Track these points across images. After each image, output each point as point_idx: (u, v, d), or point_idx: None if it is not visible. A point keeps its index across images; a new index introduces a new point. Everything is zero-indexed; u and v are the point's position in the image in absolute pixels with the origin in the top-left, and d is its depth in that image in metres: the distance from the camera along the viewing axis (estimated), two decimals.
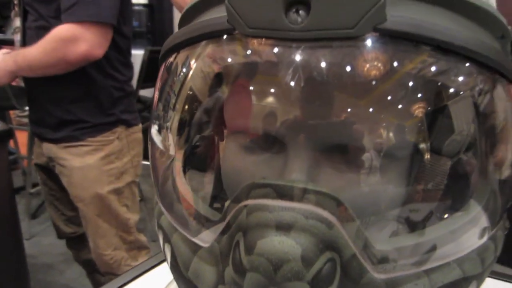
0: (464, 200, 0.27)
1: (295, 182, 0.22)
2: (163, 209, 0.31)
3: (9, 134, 1.25)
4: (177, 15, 2.90)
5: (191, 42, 0.27)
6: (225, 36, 0.25)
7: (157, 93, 0.30)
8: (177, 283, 0.29)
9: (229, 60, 0.28)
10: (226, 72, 0.28)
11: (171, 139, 0.29)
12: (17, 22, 1.21)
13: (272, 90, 0.26)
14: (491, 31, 0.26)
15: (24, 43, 1.16)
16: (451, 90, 0.26)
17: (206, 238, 0.26)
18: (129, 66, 1.24)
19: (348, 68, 0.24)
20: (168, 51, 0.29)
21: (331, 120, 0.25)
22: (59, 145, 1.17)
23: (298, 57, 0.23)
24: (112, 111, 1.19)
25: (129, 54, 1.24)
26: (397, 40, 0.22)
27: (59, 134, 1.17)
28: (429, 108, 0.26)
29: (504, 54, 0.26)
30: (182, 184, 0.29)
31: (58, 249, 2.01)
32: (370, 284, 0.22)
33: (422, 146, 0.25)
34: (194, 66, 0.28)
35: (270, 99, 0.26)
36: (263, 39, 0.23)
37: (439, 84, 0.26)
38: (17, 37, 1.22)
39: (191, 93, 0.28)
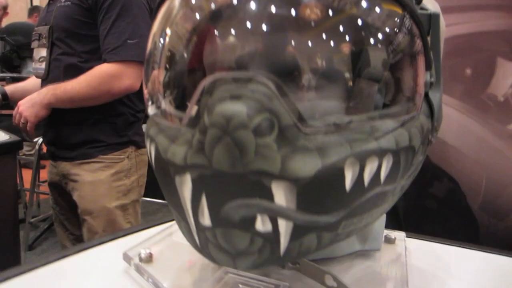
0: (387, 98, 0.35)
1: (248, 73, 0.30)
2: (152, 114, 0.38)
3: (19, 145, 1.32)
4: None
5: None
6: None
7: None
8: (158, 176, 0.35)
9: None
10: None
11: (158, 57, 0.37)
12: (42, 53, 1.30)
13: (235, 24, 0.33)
14: None
15: (48, 73, 1.28)
16: (369, 23, 0.33)
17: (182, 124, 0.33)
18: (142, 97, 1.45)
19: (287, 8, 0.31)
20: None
21: (279, 49, 0.32)
22: (73, 163, 1.29)
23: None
24: (125, 132, 1.31)
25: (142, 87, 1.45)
26: None
27: (74, 153, 1.28)
28: (351, 40, 0.33)
29: None
30: (164, 88, 0.37)
31: None
32: (298, 138, 0.30)
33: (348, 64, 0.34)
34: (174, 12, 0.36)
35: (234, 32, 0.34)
36: None
37: (359, 18, 0.33)
38: (41, 66, 1.31)
39: (174, 30, 0.36)
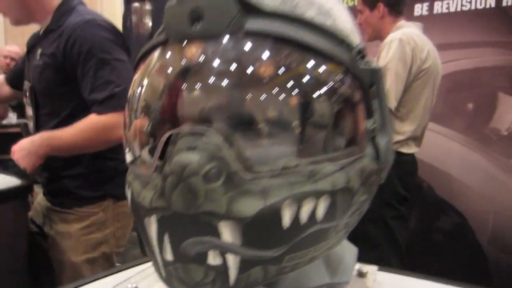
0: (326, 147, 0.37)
1: (202, 128, 0.33)
2: (128, 161, 0.40)
3: (30, 188, 1.31)
4: None
5: (145, 54, 0.39)
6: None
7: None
8: (134, 218, 0.39)
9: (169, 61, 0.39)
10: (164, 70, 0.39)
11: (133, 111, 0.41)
12: (29, 111, 1.25)
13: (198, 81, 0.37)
14: (331, 37, 0.35)
15: (37, 130, 1.22)
16: (309, 80, 0.35)
17: (149, 172, 0.37)
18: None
19: (235, 56, 0.34)
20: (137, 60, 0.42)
21: (232, 103, 0.36)
22: (54, 208, 1.25)
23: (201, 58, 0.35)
24: (103, 187, 1.23)
25: None
26: (258, 37, 0.33)
27: (54, 200, 1.25)
28: (296, 94, 0.35)
29: (341, 52, 0.35)
30: (137, 137, 0.40)
31: None
32: (243, 183, 0.33)
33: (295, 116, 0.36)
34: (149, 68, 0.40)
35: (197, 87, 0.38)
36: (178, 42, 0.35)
37: (304, 75, 0.35)
38: (30, 124, 1.27)
39: (148, 83, 0.40)
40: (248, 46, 0.35)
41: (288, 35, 0.34)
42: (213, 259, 0.34)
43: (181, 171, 0.32)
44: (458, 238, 2.12)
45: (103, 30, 1.13)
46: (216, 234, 0.33)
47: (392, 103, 1.50)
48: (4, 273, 1.16)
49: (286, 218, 0.34)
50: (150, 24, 3.32)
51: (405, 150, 1.58)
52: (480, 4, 1.91)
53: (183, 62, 0.37)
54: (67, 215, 1.23)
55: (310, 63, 0.36)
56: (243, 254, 0.34)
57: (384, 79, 0.43)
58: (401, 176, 1.58)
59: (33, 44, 1.25)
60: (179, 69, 0.38)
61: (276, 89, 0.36)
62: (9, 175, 1.31)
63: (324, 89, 0.36)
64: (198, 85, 0.37)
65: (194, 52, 0.36)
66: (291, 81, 0.36)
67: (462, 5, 1.96)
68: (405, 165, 1.59)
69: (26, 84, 1.25)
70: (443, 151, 2.09)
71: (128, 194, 0.40)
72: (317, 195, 0.35)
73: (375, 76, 0.39)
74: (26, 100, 1.27)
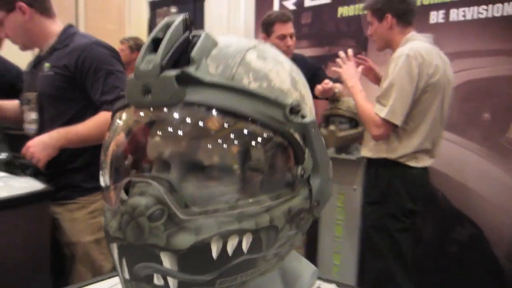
0: (256, 190, 0.44)
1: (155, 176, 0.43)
2: (101, 184, 0.48)
3: (51, 194, 1.38)
4: None
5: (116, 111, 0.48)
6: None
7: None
8: (105, 237, 0.46)
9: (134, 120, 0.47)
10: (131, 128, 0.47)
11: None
12: (32, 115, 1.45)
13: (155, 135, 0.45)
14: (263, 100, 0.42)
15: (39, 133, 1.39)
16: (245, 137, 0.42)
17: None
18: None
19: (178, 121, 0.42)
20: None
21: (184, 150, 0.43)
22: (57, 202, 1.41)
23: (152, 117, 0.43)
24: None
25: None
26: (198, 107, 0.39)
27: (57, 195, 1.40)
28: (235, 144, 0.42)
29: (273, 111, 0.42)
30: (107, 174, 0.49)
31: None
32: (180, 222, 0.40)
33: (235, 165, 0.43)
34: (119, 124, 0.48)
35: (156, 140, 0.46)
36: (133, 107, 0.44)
37: (241, 130, 0.41)
38: (31, 127, 1.45)
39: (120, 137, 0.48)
40: (186, 113, 0.42)
41: (220, 104, 0.40)
42: (157, 280, 0.41)
43: (132, 212, 0.41)
44: (474, 250, 2.08)
45: (106, 49, 1.43)
46: (159, 261, 0.41)
47: (398, 119, 1.50)
48: (29, 272, 1.26)
49: (215, 251, 0.41)
50: None
51: (413, 163, 1.57)
52: (497, 12, 1.86)
53: (137, 123, 0.46)
54: (70, 205, 1.42)
55: (241, 124, 0.42)
56: (180, 278, 0.41)
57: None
58: (408, 189, 1.58)
59: (38, 61, 1.49)
60: (135, 128, 0.47)
61: (209, 145, 0.43)
62: (28, 176, 1.44)
63: (254, 143, 0.43)
64: (149, 142, 0.46)
65: (145, 117, 0.45)
66: (224, 137, 0.42)
67: (478, 13, 1.91)
68: (413, 178, 1.58)
69: (30, 94, 1.47)
70: (459, 161, 2.05)
71: (103, 220, 0.47)
72: (241, 233, 0.42)
73: (307, 128, 0.45)
74: (28, 107, 1.47)
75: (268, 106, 0.42)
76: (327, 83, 1.90)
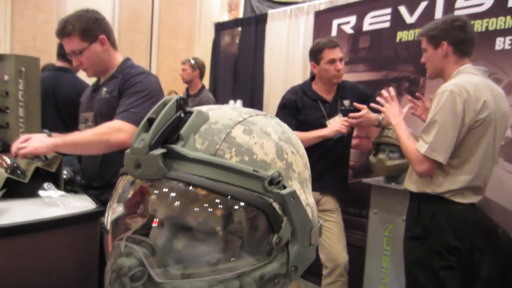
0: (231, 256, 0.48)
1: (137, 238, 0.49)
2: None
3: (102, 212, 1.44)
4: None
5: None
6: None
7: None
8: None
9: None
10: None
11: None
12: None
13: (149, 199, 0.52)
14: (242, 174, 0.46)
15: None
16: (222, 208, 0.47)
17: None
18: None
19: (162, 193, 0.49)
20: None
21: (169, 214, 0.50)
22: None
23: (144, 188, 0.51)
24: None
25: None
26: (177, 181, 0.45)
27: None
28: (216, 212, 0.47)
29: (252, 183, 0.46)
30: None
31: None
32: (157, 284, 0.46)
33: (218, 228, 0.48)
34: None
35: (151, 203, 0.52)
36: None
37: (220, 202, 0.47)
38: None
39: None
40: (169, 186, 0.48)
41: (198, 181, 0.45)
42: None
43: (118, 271, 0.47)
44: None
45: (153, 77, 1.64)
46: None
47: (440, 156, 1.45)
48: (79, 285, 1.36)
49: None
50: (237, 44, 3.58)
51: (459, 199, 1.50)
52: None
53: (130, 191, 0.53)
54: None
55: (218, 196, 0.47)
56: None
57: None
58: (452, 226, 1.51)
59: (98, 86, 1.69)
60: (128, 195, 0.54)
61: (189, 212, 0.48)
62: (76, 190, 1.58)
63: (229, 214, 0.48)
64: (143, 205, 0.54)
65: (136, 187, 0.52)
66: (201, 207, 0.48)
67: None
68: (458, 214, 1.51)
69: (87, 114, 1.67)
70: None
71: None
72: None
73: (286, 198, 0.48)
74: (85, 125, 1.66)
75: (246, 178, 0.46)
76: (346, 120, 1.92)
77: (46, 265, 1.25)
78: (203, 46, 4.27)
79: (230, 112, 0.52)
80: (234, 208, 0.48)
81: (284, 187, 0.49)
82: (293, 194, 0.49)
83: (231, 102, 3.26)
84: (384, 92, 1.75)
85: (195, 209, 0.49)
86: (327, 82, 2.02)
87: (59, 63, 2.52)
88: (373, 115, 1.96)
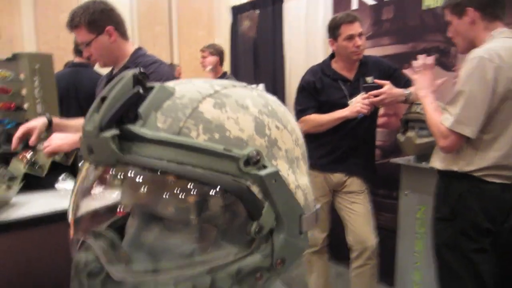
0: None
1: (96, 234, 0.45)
2: None
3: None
4: None
5: None
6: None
7: None
8: None
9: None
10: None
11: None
12: None
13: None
14: (216, 156, 0.40)
15: None
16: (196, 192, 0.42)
17: None
18: None
19: (127, 180, 0.44)
20: None
21: (132, 202, 0.46)
22: None
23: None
24: None
25: None
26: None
27: None
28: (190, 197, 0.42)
29: (223, 164, 0.39)
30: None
31: None
32: (116, 283, 0.41)
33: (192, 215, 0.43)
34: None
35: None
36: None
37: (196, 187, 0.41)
38: None
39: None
40: (126, 172, 0.43)
41: (158, 164, 0.39)
42: None
43: (75, 267, 0.43)
44: None
45: (166, 66, 1.62)
46: None
47: (467, 130, 1.31)
48: None
49: None
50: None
51: (490, 179, 1.36)
52: None
53: (85, 179, 0.48)
54: None
55: (183, 181, 0.41)
56: None
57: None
58: (484, 207, 1.38)
59: (111, 79, 1.66)
60: (89, 183, 0.48)
61: (153, 198, 0.44)
62: None
63: (197, 199, 0.42)
64: (103, 194, 0.48)
65: (89, 173, 0.47)
66: (166, 193, 0.43)
67: None
68: (490, 194, 1.38)
69: None
70: None
71: None
72: None
73: (265, 180, 0.41)
74: None
75: (217, 159, 0.40)
76: (366, 97, 1.80)
77: (62, 254, 1.28)
78: (223, 32, 4.20)
79: (200, 85, 0.45)
80: (203, 193, 0.42)
81: (265, 167, 0.41)
82: (275, 175, 0.42)
83: (253, 86, 3.19)
84: (420, 57, 1.58)
85: (159, 196, 0.43)
86: (347, 59, 1.90)
87: (77, 59, 2.54)
88: (397, 91, 1.82)
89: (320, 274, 2.09)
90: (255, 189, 0.41)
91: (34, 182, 1.48)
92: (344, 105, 1.86)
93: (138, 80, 0.41)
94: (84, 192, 0.49)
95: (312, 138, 1.90)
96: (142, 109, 0.40)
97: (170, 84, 0.44)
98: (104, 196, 0.49)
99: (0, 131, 1.85)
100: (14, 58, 1.85)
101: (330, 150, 1.93)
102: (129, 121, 0.40)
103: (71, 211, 0.49)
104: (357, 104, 1.80)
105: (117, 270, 0.42)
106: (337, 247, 2.26)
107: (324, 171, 1.94)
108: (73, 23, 1.52)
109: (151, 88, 0.42)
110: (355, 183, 1.95)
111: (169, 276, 0.41)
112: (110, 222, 0.49)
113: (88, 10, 1.52)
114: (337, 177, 1.95)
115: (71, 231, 0.49)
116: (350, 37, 1.83)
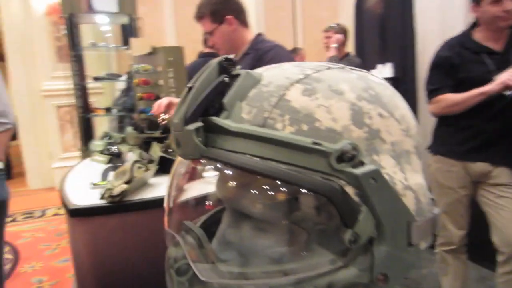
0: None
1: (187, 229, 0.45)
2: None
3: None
4: None
5: None
6: None
7: None
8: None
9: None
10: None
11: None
12: None
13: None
14: (303, 151, 0.35)
15: None
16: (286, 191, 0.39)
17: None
18: None
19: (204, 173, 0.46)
20: None
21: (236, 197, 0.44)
22: None
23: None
24: None
25: None
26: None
27: None
28: (284, 197, 0.39)
29: (312, 160, 0.35)
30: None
31: None
32: (201, 282, 0.40)
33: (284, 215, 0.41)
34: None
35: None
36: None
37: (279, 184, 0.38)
38: None
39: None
40: (206, 167, 0.45)
41: (239, 161, 0.37)
42: None
43: (167, 261, 0.44)
44: None
45: (284, 50, 1.62)
46: None
47: None
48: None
49: None
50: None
51: None
52: None
53: (178, 170, 0.50)
54: None
55: (270, 180, 0.38)
56: None
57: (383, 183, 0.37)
58: None
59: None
60: (178, 175, 0.50)
61: (240, 196, 0.42)
62: None
63: (279, 202, 0.39)
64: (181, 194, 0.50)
65: (179, 165, 0.49)
66: (253, 190, 0.41)
67: None
68: None
69: None
70: None
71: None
72: None
73: (362, 180, 0.35)
74: None
75: (304, 154, 0.35)
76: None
77: None
78: (346, 12, 4.02)
79: (289, 69, 0.41)
80: (291, 192, 0.38)
81: (362, 163, 0.35)
82: (375, 174, 0.35)
83: (379, 66, 2.99)
84: None
85: (245, 191, 0.41)
86: (493, 27, 1.59)
87: (206, 49, 2.71)
88: None
89: (457, 276, 1.85)
90: (349, 190, 0.35)
91: (171, 166, 1.63)
92: (488, 82, 1.58)
93: (223, 68, 0.39)
94: (177, 184, 0.50)
95: (450, 121, 1.68)
96: (227, 99, 0.38)
97: (258, 70, 0.41)
98: (195, 189, 0.49)
99: (144, 119, 2.10)
100: (153, 52, 2.06)
101: (471, 135, 1.67)
102: (215, 112, 0.38)
103: (166, 202, 0.50)
104: (505, 76, 1.51)
105: (203, 270, 0.41)
106: (480, 246, 1.98)
107: (463, 159, 1.70)
108: (199, 14, 1.62)
109: (238, 75, 0.39)
110: (504, 174, 1.66)
111: (253, 283, 0.39)
112: (206, 217, 0.49)
113: (211, 1, 1.60)
114: (480, 166, 1.68)
115: (165, 222, 0.50)
116: (497, 0, 1.54)
